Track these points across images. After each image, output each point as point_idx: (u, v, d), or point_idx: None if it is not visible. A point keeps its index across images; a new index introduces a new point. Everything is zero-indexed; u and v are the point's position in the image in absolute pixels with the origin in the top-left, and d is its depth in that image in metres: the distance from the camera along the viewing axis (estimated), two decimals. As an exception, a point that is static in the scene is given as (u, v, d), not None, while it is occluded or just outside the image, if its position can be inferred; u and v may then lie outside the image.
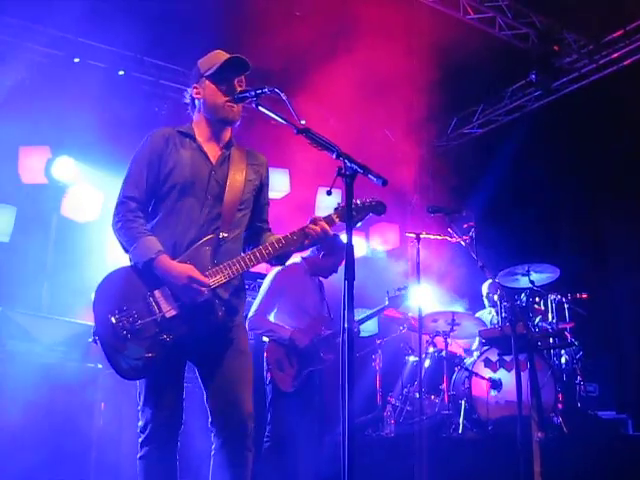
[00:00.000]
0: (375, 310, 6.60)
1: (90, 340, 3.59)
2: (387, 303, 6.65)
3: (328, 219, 3.82)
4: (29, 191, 8.37)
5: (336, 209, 3.85)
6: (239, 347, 3.78)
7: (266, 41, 7.20)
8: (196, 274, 3.57)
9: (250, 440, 3.69)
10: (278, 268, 6.25)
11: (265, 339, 6.14)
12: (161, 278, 3.60)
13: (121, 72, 8.91)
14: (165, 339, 3.56)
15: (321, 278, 6.45)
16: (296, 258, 6.37)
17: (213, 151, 3.89)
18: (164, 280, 3.60)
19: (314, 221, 3.78)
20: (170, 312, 3.59)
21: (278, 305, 6.18)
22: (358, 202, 3.79)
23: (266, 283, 6.28)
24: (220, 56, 3.86)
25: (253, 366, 3.87)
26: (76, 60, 8.65)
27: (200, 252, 3.67)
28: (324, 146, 3.29)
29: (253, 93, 3.66)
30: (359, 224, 3.88)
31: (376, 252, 10.61)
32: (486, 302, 8.40)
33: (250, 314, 6.07)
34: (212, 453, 3.71)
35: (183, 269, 3.58)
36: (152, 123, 3.87)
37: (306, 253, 6.37)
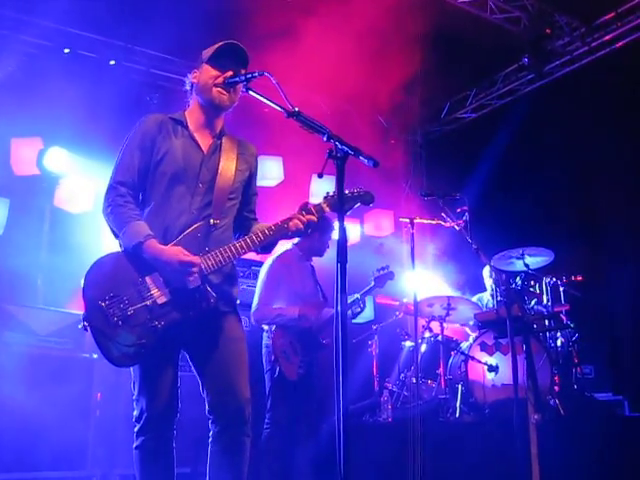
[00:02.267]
0: (363, 291, 6.57)
1: (80, 326, 3.55)
2: (373, 284, 6.64)
3: (318, 208, 3.84)
4: (22, 183, 8.33)
5: (325, 197, 3.87)
6: (232, 334, 3.78)
7: (258, 26, 7.18)
8: (186, 255, 3.57)
9: (248, 426, 3.69)
10: (273, 256, 6.29)
11: (265, 327, 6.15)
12: (151, 262, 3.59)
13: (112, 62, 8.88)
14: (156, 325, 3.55)
15: (315, 259, 6.46)
16: (287, 245, 6.39)
17: (204, 140, 3.89)
18: (154, 264, 3.59)
19: (304, 210, 3.80)
20: (161, 298, 3.58)
21: (278, 293, 6.20)
22: (347, 192, 3.78)
23: (263, 273, 6.29)
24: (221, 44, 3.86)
25: (250, 354, 3.87)
26: (66, 51, 8.62)
27: (191, 239, 3.67)
28: (315, 129, 3.28)
29: (243, 77, 3.67)
30: (347, 213, 3.87)
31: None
32: (487, 285, 8.39)
33: (253, 308, 6.12)
34: (210, 440, 3.71)
35: (173, 251, 3.58)
36: (144, 112, 3.87)
37: (296, 239, 6.38)
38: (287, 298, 6.19)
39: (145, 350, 3.54)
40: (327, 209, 3.84)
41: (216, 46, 3.84)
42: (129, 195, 3.73)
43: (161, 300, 3.58)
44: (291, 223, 3.78)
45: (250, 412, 3.70)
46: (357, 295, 6.51)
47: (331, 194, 3.84)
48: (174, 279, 3.58)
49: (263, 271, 6.33)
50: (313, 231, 6.23)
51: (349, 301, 6.42)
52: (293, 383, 6.00)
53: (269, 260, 6.35)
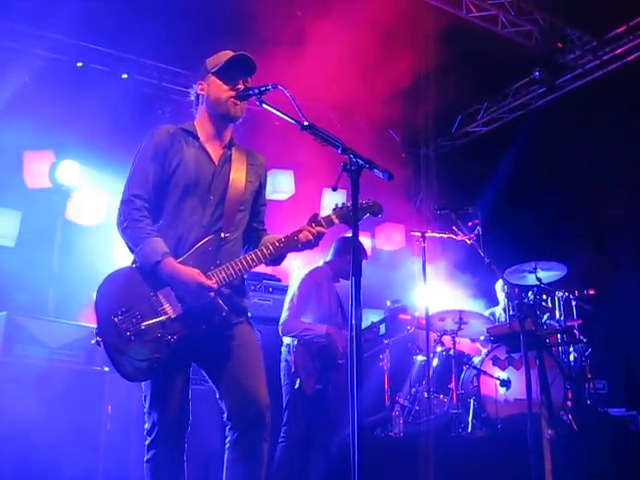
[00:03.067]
0: (377, 321, 6.73)
1: (93, 341, 3.55)
2: (387, 314, 6.84)
3: (327, 220, 3.84)
4: (34, 195, 8.37)
5: (334, 209, 3.87)
6: (244, 341, 3.77)
7: (267, 39, 7.20)
8: (203, 279, 3.56)
9: (267, 431, 3.68)
10: (305, 271, 6.39)
11: (286, 341, 6.17)
12: (166, 281, 3.58)
13: (124, 75, 8.91)
14: (169, 340, 3.54)
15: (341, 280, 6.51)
16: (319, 262, 6.42)
17: (215, 150, 3.89)
18: (169, 283, 3.58)
19: (314, 222, 3.79)
20: (174, 313, 3.57)
21: (307, 307, 6.22)
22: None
23: (295, 287, 6.32)
24: (228, 54, 3.87)
25: (268, 367, 3.85)
26: (79, 64, 8.66)
27: (203, 252, 3.67)
28: (329, 141, 3.28)
29: (257, 90, 3.66)
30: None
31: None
32: (500, 298, 8.35)
33: (282, 319, 6.15)
34: (227, 447, 3.69)
35: (190, 274, 3.56)
36: (155, 125, 3.89)
37: (327, 257, 6.43)
38: (313, 315, 6.21)
39: (158, 365, 3.53)
40: (337, 220, 3.84)
41: (225, 58, 3.83)
42: (145, 209, 3.70)
43: (173, 315, 3.58)
44: (301, 235, 3.77)
45: (270, 417, 3.69)
46: (372, 321, 6.69)
47: (340, 205, 3.85)
48: (189, 299, 3.58)
49: (295, 284, 6.36)
50: (346, 253, 6.32)
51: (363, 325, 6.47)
52: (309, 398, 6.01)
53: (301, 274, 6.40)
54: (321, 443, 6.21)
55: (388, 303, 6.85)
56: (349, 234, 6.18)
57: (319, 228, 3.79)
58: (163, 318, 3.56)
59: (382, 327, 7.37)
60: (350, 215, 3.68)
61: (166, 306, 3.58)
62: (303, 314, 6.23)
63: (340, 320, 6.37)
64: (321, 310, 6.26)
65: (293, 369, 6.01)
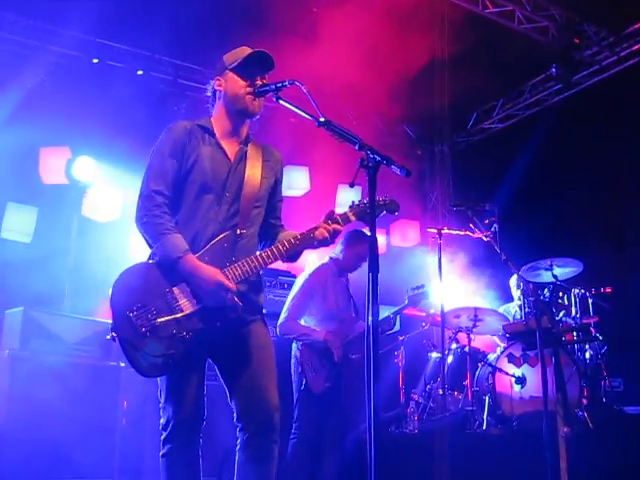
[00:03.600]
0: (396, 310, 6.55)
1: (108, 337, 3.55)
2: (407, 302, 6.58)
3: (344, 217, 3.83)
4: (50, 192, 8.41)
5: (351, 206, 3.85)
6: (259, 341, 3.77)
7: (284, 38, 7.19)
8: (223, 279, 3.57)
9: (277, 433, 3.69)
10: (309, 270, 6.35)
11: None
12: (185, 277, 3.59)
13: (140, 72, 8.94)
14: (185, 336, 3.55)
15: (348, 275, 6.47)
16: (324, 259, 6.41)
17: (231, 147, 3.88)
18: (187, 279, 3.59)
19: (330, 219, 3.79)
20: (189, 309, 3.58)
21: (308, 309, 6.20)
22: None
23: (297, 286, 6.30)
24: (246, 51, 3.87)
25: (278, 364, 3.86)
26: (95, 61, 8.70)
27: (219, 248, 3.67)
28: (346, 138, 3.28)
29: (274, 87, 3.66)
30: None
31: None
32: (515, 295, 8.32)
33: (281, 319, 6.12)
34: (238, 448, 3.70)
35: (211, 273, 3.57)
36: (171, 122, 3.91)
37: (334, 253, 6.41)
38: (319, 314, 6.21)
39: (173, 361, 3.54)
40: (353, 218, 3.83)
41: (244, 54, 3.84)
42: (165, 205, 3.69)
43: (189, 311, 3.58)
44: (317, 232, 3.77)
45: (279, 419, 3.69)
46: (388, 313, 6.49)
47: (357, 203, 3.83)
48: (206, 297, 3.58)
49: (298, 284, 6.33)
50: (352, 246, 6.30)
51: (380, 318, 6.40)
52: (320, 394, 6.00)
53: (305, 273, 6.37)
54: (334, 440, 6.19)
55: (409, 291, 6.62)
56: (364, 229, 6.21)
57: (335, 225, 3.78)
58: (178, 315, 3.56)
59: (398, 319, 7.33)
60: (367, 212, 3.67)
61: (182, 302, 3.58)
62: (303, 314, 6.20)
63: (352, 314, 6.35)
64: (327, 308, 6.21)
65: (300, 369, 5.99)
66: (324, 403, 6.08)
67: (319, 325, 6.17)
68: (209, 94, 4.01)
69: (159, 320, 3.53)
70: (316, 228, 3.77)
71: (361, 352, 6.05)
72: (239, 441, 3.70)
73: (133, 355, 3.52)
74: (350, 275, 6.55)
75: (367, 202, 3.70)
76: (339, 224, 3.81)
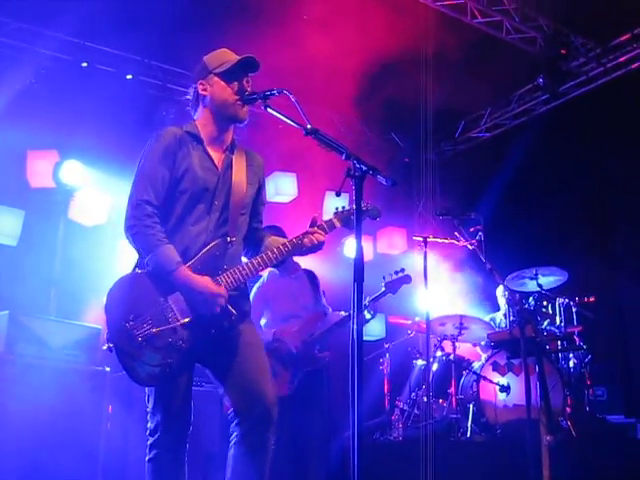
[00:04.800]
0: (371, 298, 6.17)
1: (104, 347, 3.56)
2: (384, 289, 6.25)
3: (329, 223, 3.87)
4: (37, 195, 8.38)
5: (336, 213, 3.90)
6: (248, 339, 3.79)
7: (273, 43, 7.20)
8: (214, 288, 3.60)
9: (274, 427, 3.71)
10: (257, 284, 6.25)
11: None
12: (178, 289, 3.60)
13: (129, 76, 8.94)
14: (181, 345, 3.57)
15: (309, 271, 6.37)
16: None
17: (217, 154, 3.88)
18: (181, 290, 3.61)
19: (314, 226, 3.83)
20: (185, 318, 3.60)
21: (267, 317, 6.17)
22: (353, 207, 3.78)
23: (251, 295, 6.17)
24: (229, 55, 3.87)
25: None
26: (84, 64, 8.67)
27: (210, 257, 3.69)
28: (333, 147, 3.30)
29: (262, 94, 3.67)
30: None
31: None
32: (501, 304, 8.36)
33: None
34: (233, 442, 3.71)
35: (203, 283, 3.59)
36: (159, 127, 3.91)
37: None
38: (281, 319, 6.12)
39: (170, 369, 3.56)
40: (338, 224, 3.88)
41: (228, 58, 3.84)
42: (155, 215, 3.67)
43: (184, 320, 3.60)
44: (305, 240, 3.80)
45: (277, 413, 3.72)
46: (365, 301, 6.08)
47: (341, 209, 3.88)
48: (200, 307, 3.60)
49: (251, 294, 6.14)
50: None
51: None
52: (291, 399, 5.89)
53: (256, 285, 6.26)
54: (318, 445, 6.13)
55: (387, 277, 6.23)
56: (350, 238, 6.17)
57: (317, 236, 3.82)
58: (174, 324, 3.58)
59: (380, 320, 7.11)
60: (351, 219, 3.70)
61: (177, 311, 3.60)
62: (259, 320, 6.10)
63: (322, 309, 6.21)
64: (284, 311, 6.11)
65: None
66: (298, 406, 5.97)
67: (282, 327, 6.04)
68: (190, 97, 3.98)
69: (155, 330, 3.54)
70: (304, 236, 3.80)
71: (328, 349, 5.99)
72: (235, 435, 3.71)
73: (130, 365, 3.53)
74: (332, 279, 6.48)
75: (351, 208, 3.73)
76: (325, 231, 3.84)
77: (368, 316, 6.17)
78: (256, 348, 3.82)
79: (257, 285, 6.25)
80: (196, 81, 3.92)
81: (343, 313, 6.06)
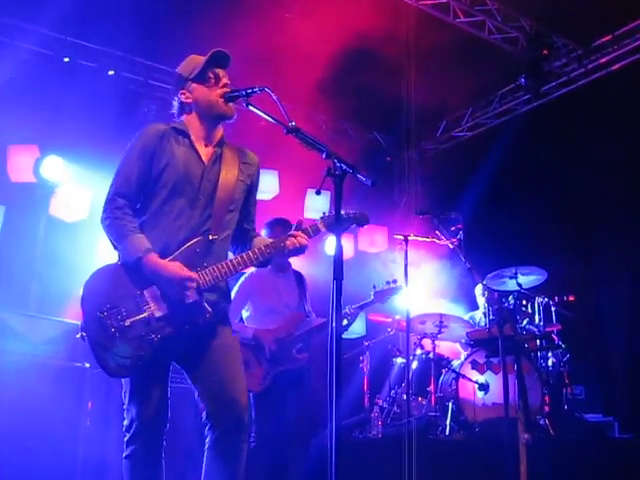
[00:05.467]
0: (358, 305, 6.33)
1: (78, 336, 3.57)
2: (372, 298, 6.40)
3: (314, 227, 3.90)
4: (18, 190, 8.35)
5: (322, 218, 3.92)
6: (223, 341, 3.79)
7: (255, 37, 7.22)
8: (185, 272, 3.59)
9: (246, 432, 3.72)
10: (246, 274, 6.23)
11: None
12: (149, 277, 3.60)
13: (111, 72, 8.90)
14: (153, 338, 3.57)
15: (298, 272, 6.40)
16: None
17: (205, 150, 3.90)
18: (152, 279, 3.61)
19: (298, 229, 3.84)
20: (159, 312, 3.61)
21: (249, 309, 6.18)
22: (342, 213, 3.76)
23: (235, 288, 6.21)
24: (197, 59, 3.90)
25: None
26: (66, 60, 8.63)
27: (190, 254, 3.69)
28: (314, 146, 3.31)
29: (244, 92, 3.70)
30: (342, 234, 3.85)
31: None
32: (480, 303, 8.40)
33: None
34: (206, 446, 3.71)
35: (172, 267, 3.60)
36: (141, 123, 3.92)
37: None
38: (262, 314, 6.13)
39: (142, 362, 3.57)
40: (323, 229, 3.91)
41: (199, 61, 3.86)
42: (127, 207, 3.73)
43: (158, 314, 3.61)
44: (288, 242, 3.81)
45: (248, 418, 3.72)
46: (346, 309, 6.24)
47: (327, 214, 3.90)
48: (172, 294, 3.60)
49: (236, 285, 6.23)
50: (270, 237, 6.23)
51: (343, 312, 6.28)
52: (264, 396, 5.88)
53: (241, 279, 6.27)
54: (297, 443, 6.14)
55: (379, 286, 6.39)
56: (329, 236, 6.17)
57: (300, 240, 3.83)
58: (147, 315, 3.58)
59: (360, 317, 7.11)
60: (340, 216, 3.69)
61: (152, 305, 3.61)
62: (236, 316, 6.11)
63: (303, 311, 6.21)
64: (268, 305, 6.13)
65: None
66: (283, 405, 5.99)
67: (263, 322, 6.05)
68: (175, 111, 3.99)
69: (128, 321, 3.55)
70: (287, 238, 3.81)
71: (307, 350, 6.00)
72: (208, 439, 3.71)
73: (102, 355, 3.54)
74: (313, 276, 6.50)
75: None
76: (309, 235, 3.86)
77: (345, 322, 6.18)
78: (231, 350, 3.81)
79: (245, 276, 6.25)
80: (177, 92, 3.94)
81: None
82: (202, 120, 3.91)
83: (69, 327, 6.50)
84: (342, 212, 3.75)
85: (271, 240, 3.87)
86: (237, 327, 6.01)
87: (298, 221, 3.86)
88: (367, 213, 3.92)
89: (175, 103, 3.98)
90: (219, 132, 3.97)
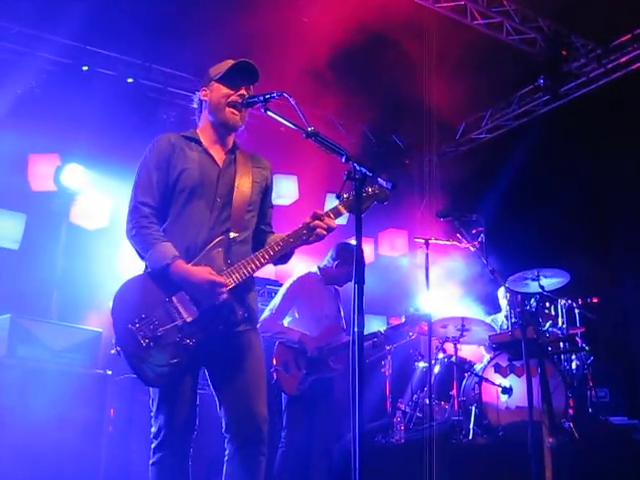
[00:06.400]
0: (390, 327, 6.70)
1: (112, 351, 3.57)
2: (404, 321, 6.68)
3: (334, 210, 3.82)
4: (38, 199, 8.39)
5: (341, 199, 3.80)
6: (252, 353, 3.78)
7: (275, 51, 7.22)
8: (214, 276, 3.59)
9: (265, 445, 3.69)
10: (294, 277, 6.40)
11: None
12: (178, 283, 3.60)
13: (130, 80, 8.94)
14: (188, 343, 3.57)
15: (337, 287, 6.51)
16: (312, 267, 6.45)
17: (219, 154, 3.92)
18: (182, 285, 3.61)
19: (318, 216, 3.77)
20: (190, 317, 3.59)
21: (293, 313, 6.27)
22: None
23: (281, 290, 6.37)
24: (229, 63, 3.91)
25: (268, 372, 3.88)
26: (85, 68, 8.67)
27: (213, 254, 3.69)
28: (333, 150, 3.30)
29: (262, 98, 3.69)
30: (363, 213, 3.76)
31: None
32: (502, 305, 8.35)
33: (262, 317, 6.12)
34: (226, 459, 3.70)
35: (201, 272, 3.59)
36: (160, 130, 3.93)
37: (322, 262, 6.46)
38: (305, 320, 6.27)
39: (179, 369, 3.57)
40: (344, 210, 3.82)
41: (228, 65, 3.88)
42: (152, 215, 3.74)
43: (189, 318, 3.60)
44: (314, 224, 3.74)
45: (267, 432, 3.69)
46: (381, 329, 6.56)
47: (346, 196, 3.79)
48: (202, 299, 3.59)
49: (284, 287, 6.42)
50: (335, 258, 6.36)
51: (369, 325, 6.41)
52: (302, 401, 5.99)
53: (290, 280, 6.44)
54: (323, 449, 6.19)
55: (409, 310, 6.74)
56: (351, 240, 6.23)
57: (328, 220, 3.77)
58: (179, 322, 3.58)
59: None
60: (361, 214, 3.58)
61: (182, 310, 3.60)
62: (283, 317, 6.27)
63: (341, 325, 6.39)
64: (311, 312, 6.27)
65: (274, 360, 5.99)
66: (313, 411, 6.09)
67: (304, 328, 6.21)
68: (195, 105, 4.06)
69: (161, 330, 3.55)
70: (306, 226, 3.76)
71: (343, 362, 6.09)
72: (227, 452, 3.69)
73: (139, 367, 3.54)
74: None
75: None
76: (331, 218, 3.79)
77: (376, 340, 6.50)
78: (258, 362, 3.80)
79: (292, 280, 6.40)
80: (201, 89, 4.00)
81: None
82: (213, 127, 3.93)
83: (91, 334, 6.54)
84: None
85: (288, 233, 3.81)
86: (283, 329, 6.10)
87: (314, 212, 3.79)
88: (388, 189, 3.83)
89: (195, 98, 4.04)
90: (231, 139, 3.99)
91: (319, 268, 6.49)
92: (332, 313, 6.40)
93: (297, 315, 6.30)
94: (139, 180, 3.82)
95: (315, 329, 6.18)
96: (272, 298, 6.66)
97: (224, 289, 3.58)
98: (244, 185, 3.87)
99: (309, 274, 6.44)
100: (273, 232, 4.10)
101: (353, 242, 6.21)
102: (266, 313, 6.20)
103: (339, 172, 3.26)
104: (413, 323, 6.66)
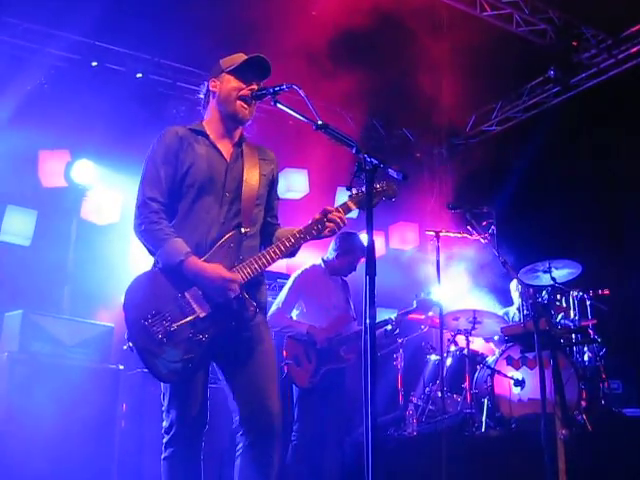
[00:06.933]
0: (401, 312, 6.58)
1: (125, 347, 3.55)
2: (415, 306, 6.64)
3: (344, 207, 3.83)
4: (49, 194, 8.42)
5: (350, 196, 3.83)
6: (265, 346, 3.78)
7: (284, 43, 7.20)
8: (227, 273, 3.58)
9: (278, 440, 3.68)
10: (299, 270, 6.39)
11: None
12: (191, 279, 3.59)
13: (139, 75, 8.94)
14: (201, 339, 3.56)
15: (343, 278, 6.51)
16: (316, 260, 6.45)
17: (226, 148, 3.90)
18: (195, 281, 3.60)
19: (328, 212, 3.77)
20: (203, 312, 3.59)
21: (300, 306, 6.27)
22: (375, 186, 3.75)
23: (289, 282, 6.39)
24: (242, 56, 3.90)
25: (279, 366, 3.87)
26: (94, 64, 8.68)
27: (225, 249, 3.68)
28: (343, 141, 3.29)
29: (271, 90, 3.67)
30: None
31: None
32: (515, 298, 8.34)
33: (269, 312, 6.12)
34: (238, 453, 3.69)
35: (214, 269, 3.58)
36: (170, 125, 3.93)
37: (326, 255, 6.46)
38: (313, 311, 6.27)
39: (192, 364, 3.56)
40: (353, 207, 3.83)
41: (242, 58, 3.86)
42: (161, 211, 3.71)
43: (202, 314, 3.59)
44: (330, 216, 3.76)
45: (280, 426, 3.69)
46: (392, 316, 6.51)
47: (355, 192, 3.80)
48: (215, 295, 3.59)
49: (289, 281, 6.44)
50: (335, 250, 6.37)
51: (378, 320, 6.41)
52: (315, 393, 5.99)
53: (295, 273, 6.43)
54: (334, 442, 6.19)
55: (419, 295, 6.68)
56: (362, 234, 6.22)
57: (339, 215, 3.78)
58: (192, 318, 3.57)
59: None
60: (372, 208, 3.60)
61: (195, 306, 3.59)
62: (290, 310, 6.30)
63: (350, 314, 6.38)
64: (318, 304, 6.29)
65: (284, 354, 6.01)
66: (325, 403, 6.09)
67: (313, 319, 6.22)
68: (202, 96, 4.03)
69: (174, 325, 3.54)
70: (317, 221, 3.76)
71: (354, 352, 6.09)
72: (240, 446, 3.68)
73: (152, 363, 3.53)
74: (348, 278, 6.59)
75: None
76: (341, 213, 3.80)
77: (389, 327, 6.45)
78: (269, 356, 3.80)
79: (298, 273, 6.43)
80: (209, 79, 3.97)
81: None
82: (221, 118, 3.91)
83: (102, 329, 6.56)
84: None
85: (299, 227, 3.82)
86: (291, 322, 6.11)
87: (324, 209, 3.80)
88: (397, 185, 3.83)
89: (203, 88, 4.01)
90: (238, 132, 3.97)
91: (323, 260, 6.50)
92: (340, 303, 6.40)
93: (305, 308, 6.31)
94: (147, 174, 3.79)
95: (324, 320, 6.19)
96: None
97: (236, 285, 3.58)
98: (252, 179, 3.86)
99: (313, 266, 6.45)
100: (279, 224, 4.09)
101: (358, 234, 6.27)
102: (273, 308, 6.21)
103: (350, 165, 3.24)
104: (425, 308, 6.62)
